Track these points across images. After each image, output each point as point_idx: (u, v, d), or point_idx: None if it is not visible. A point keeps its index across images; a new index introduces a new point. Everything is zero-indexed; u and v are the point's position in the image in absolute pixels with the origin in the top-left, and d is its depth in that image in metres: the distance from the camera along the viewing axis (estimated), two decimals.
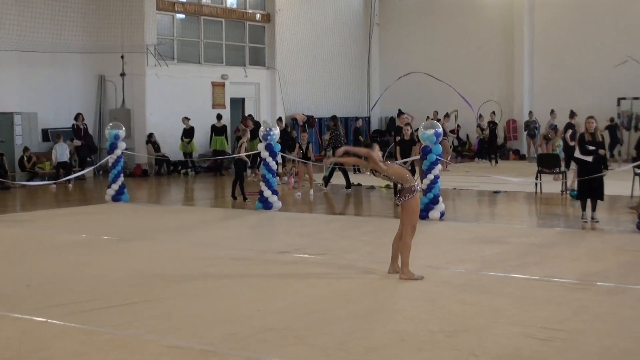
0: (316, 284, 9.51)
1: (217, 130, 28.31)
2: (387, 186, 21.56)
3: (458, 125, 32.19)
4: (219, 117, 28.53)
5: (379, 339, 7.13)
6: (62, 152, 24.11)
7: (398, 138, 19.05)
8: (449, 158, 27.19)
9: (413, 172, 17.78)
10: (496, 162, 30.42)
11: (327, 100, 35.25)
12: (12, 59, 25.47)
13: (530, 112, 32.62)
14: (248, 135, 19.56)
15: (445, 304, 8.43)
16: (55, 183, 22.46)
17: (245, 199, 18.89)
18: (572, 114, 20.92)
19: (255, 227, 15.05)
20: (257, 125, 25.97)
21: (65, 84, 27.13)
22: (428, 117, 29.07)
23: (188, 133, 28.01)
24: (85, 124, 26.28)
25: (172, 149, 28.18)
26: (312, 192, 20.34)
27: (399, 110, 23.58)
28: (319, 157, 27.11)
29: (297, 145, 21.40)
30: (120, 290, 9.24)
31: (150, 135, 27.52)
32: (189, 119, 28.03)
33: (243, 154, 18.95)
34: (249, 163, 21.46)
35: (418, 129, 16.13)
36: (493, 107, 33.15)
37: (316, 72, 34.74)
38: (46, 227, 14.98)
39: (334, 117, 23.93)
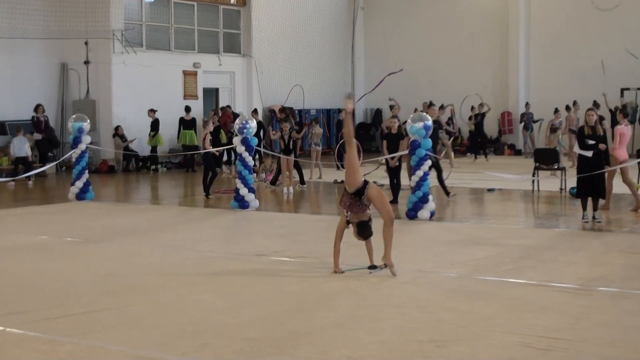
0: (296, 290, 9.48)
1: (186, 124, 28.20)
2: (374, 182, 21.52)
3: (450, 120, 32.15)
4: (188, 109, 28.40)
5: (363, 349, 7.10)
6: (20, 146, 23.94)
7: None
8: (443, 154, 27.17)
9: (400, 168, 17.80)
10: (485, 156, 30.42)
11: (307, 90, 35.19)
12: None
13: (527, 104, 32.72)
14: (211, 126, 19.59)
15: (435, 311, 8.42)
16: (13, 180, 22.32)
17: (208, 195, 18.88)
18: (596, 105, 21.04)
19: (230, 228, 15.00)
20: (236, 117, 25.96)
21: (24, 73, 26.94)
22: (417, 110, 29.06)
23: (153, 126, 27.89)
24: (46, 116, 26.13)
25: (140, 143, 28.07)
26: (291, 189, 20.32)
27: (430, 102, 23.17)
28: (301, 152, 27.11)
29: (279, 135, 21.39)
30: (84, 297, 9.18)
31: (117, 128, 27.41)
32: (155, 111, 27.89)
33: (210, 147, 18.92)
34: (220, 155, 21.46)
35: (406, 121, 16.14)
36: (479, 98, 33.09)
37: (296, 60, 34.70)
38: (3, 228, 14.87)
39: (284, 109, 23.95)
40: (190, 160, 27.76)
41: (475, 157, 30.25)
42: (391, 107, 24.21)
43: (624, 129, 16.26)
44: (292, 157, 20.65)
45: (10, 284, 10.01)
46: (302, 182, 21.49)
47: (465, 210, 17.17)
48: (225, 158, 26.43)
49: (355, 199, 10.17)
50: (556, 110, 27.52)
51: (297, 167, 21.48)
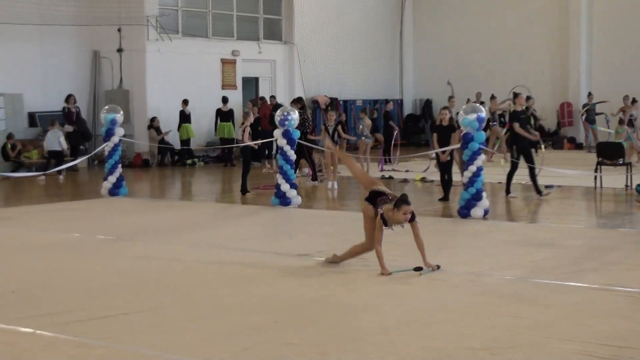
0: (340, 292, 9.47)
1: (223, 116, 28.25)
2: (423, 179, 21.52)
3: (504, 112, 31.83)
4: (225, 100, 28.45)
5: (412, 357, 7.09)
6: (54, 140, 24.13)
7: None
8: (496, 147, 26.98)
9: (452, 163, 17.72)
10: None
11: (353, 80, 35.16)
12: None
13: (590, 94, 32.34)
14: (251, 118, 19.58)
15: (489, 316, 8.37)
16: (44, 174, 22.56)
17: (245, 192, 18.88)
18: None
19: (271, 226, 15.04)
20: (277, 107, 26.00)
21: (54, 62, 27.22)
22: (469, 100, 28.91)
23: (182, 118, 27.97)
24: (78, 107, 26.37)
25: (176, 136, 28.19)
26: (335, 184, 20.20)
27: (514, 92, 22.15)
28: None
29: (324, 127, 21.44)
30: (117, 298, 9.25)
31: (153, 120, 27.51)
32: (186, 102, 27.91)
33: (249, 141, 18.91)
34: (260, 148, 21.48)
35: (458, 113, 16.06)
36: (527, 90, 32.50)
37: (340, 47, 34.65)
38: (33, 225, 15.04)
39: (299, 99, 23.89)
40: (229, 154, 27.87)
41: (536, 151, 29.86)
42: (450, 97, 23.99)
43: None
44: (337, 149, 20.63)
45: (39, 283, 10.12)
46: (314, 177, 21.57)
47: (522, 208, 17.05)
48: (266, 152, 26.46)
49: (380, 196, 10.36)
50: (634, 101, 27.21)
51: (311, 160, 21.56)
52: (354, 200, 18.95)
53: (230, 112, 28.35)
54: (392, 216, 10.12)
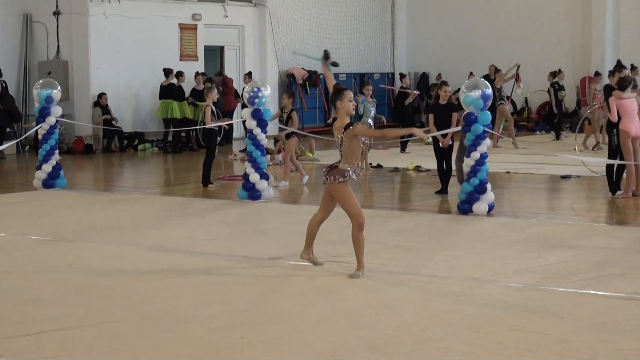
0: (319, 303, 9.48)
1: (164, 91, 28.15)
2: (417, 168, 21.55)
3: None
4: (167, 73, 28.21)
5: None
6: None
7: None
8: (500, 130, 27.02)
9: (452, 149, 17.71)
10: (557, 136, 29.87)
11: (336, 49, 35.00)
12: None
13: (635, 68, 31.98)
14: (215, 95, 19.29)
15: (493, 330, 8.42)
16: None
17: (207, 183, 18.83)
18: None
19: (237, 224, 15.04)
20: None
21: None
22: (472, 74, 28.94)
23: (166, 92, 27.91)
24: (5, 82, 26.23)
25: (126, 115, 28.06)
26: (305, 178, 19.94)
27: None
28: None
29: (279, 112, 20.79)
30: (54, 310, 9.24)
31: (101, 97, 27.22)
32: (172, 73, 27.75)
33: (210, 121, 18.74)
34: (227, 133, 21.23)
35: (459, 89, 16.09)
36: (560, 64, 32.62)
37: (321, 11, 34.61)
38: None
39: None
40: (176, 137, 27.73)
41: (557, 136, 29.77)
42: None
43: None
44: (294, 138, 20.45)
45: None
46: None
47: (534, 202, 17.12)
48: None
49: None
50: None
51: None
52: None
53: (171, 86, 28.05)
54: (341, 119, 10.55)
